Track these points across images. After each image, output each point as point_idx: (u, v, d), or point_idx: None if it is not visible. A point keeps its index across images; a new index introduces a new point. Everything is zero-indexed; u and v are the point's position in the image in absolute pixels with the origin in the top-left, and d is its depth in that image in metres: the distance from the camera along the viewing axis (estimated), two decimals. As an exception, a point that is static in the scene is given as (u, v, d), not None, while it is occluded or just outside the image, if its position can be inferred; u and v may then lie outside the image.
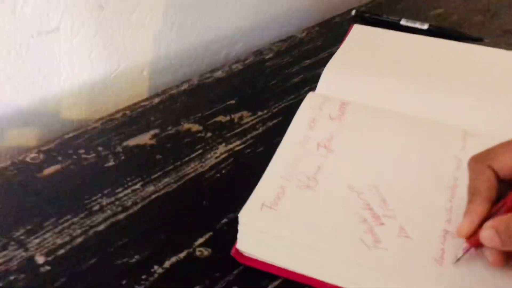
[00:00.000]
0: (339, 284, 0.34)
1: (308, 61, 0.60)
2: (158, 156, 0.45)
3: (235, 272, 0.35)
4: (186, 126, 0.49)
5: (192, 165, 0.44)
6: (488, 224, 0.32)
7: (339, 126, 0.45)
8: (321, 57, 0.60)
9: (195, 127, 0.48)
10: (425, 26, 0.64)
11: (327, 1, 0.77)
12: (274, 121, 0.49)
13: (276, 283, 0.34)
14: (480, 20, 0.68)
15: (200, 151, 0.45)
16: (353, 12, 0.69)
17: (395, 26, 0.65)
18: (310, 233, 0.35)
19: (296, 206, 0.37)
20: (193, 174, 0.43)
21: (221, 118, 0.50)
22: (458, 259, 0.33)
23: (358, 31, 0.62)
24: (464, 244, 0.33)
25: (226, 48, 0.69)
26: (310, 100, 0.48)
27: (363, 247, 0.35)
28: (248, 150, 0.46)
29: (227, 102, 0.52)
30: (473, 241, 0.33)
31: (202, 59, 0.66)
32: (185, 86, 0.55)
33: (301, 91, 0.53)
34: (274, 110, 0.51)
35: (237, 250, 0.36)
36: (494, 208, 0.34)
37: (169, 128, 0.48)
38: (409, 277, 0.33)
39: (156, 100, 0.52)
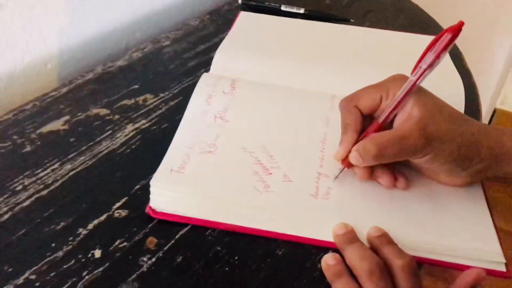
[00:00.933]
0: (238, 224, 0.42)
1: (202, 46, 0.67)
2: (71, 139, 0.50)
3: (150, 225, 0.41)
4: (95, 111, 0.54)
5: (104, 143, 0.49)
6: (353, 148, 0.42)
7: (232, 100, 0.53)
8: (213, 42, 0.67)
9: (103, 111, 0.54)
10: (301, 10, 0.74)
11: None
12: (176, 101, 0.56)
13: (185, 229, 0.41)
14: (347, 3, 0.79)
15: (110, 131, 0.51)
16: (240, 0, 0.77)
17: (277, 12, 0.74)
18: (213, 187, 0.43)
19: (200, 168, 0.45)
20: (105, 152, 0.49)
21: (126, 101, 0.55)
22: (336, 177, 0.45)
23: (244, 17, 0.70)
24: (339, 166, 0.44)
25: (126, 38, 0.74)
26: (205, 80, 0.55)
27: (256, 192, 0.43)
28: (154, 127, 0.52)
29: (131, 87, 0.58)
30: (346, 162, 0.44)
31: (104, 49, 0.70)
32: (90, 75, 0.59)
33: (198, 73, 0.60)
34: (175, 91, 0.58)
35: (150, 208, 0.42)
36: (361, 137, 0.44)
37: (79, 114, 0.53)
38: (293, 210, 0.42)
39: (64, 89, 0.57)
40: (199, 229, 0.41)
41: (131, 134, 0.51)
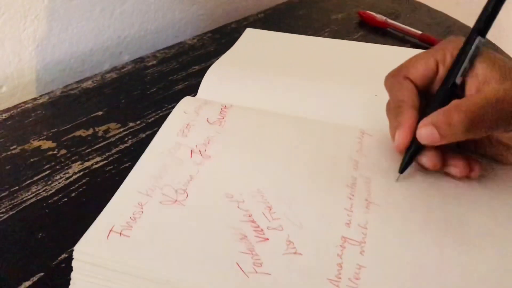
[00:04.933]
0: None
1: (196, 67, 0.53)
2: (-10, 181, 0.35)
3: (64, 325, 0.26)
4: (36, 143, 0.39)
5: (34, 189, 0.35)
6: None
7: (219, 130, 0.38)
8: (211, 62, 0.53)
9: (47, 144, 0.39)
10: (325, 28, 0.60)
11: (224, 9, 0.71)
12: (148, 132, 0.41)
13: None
14: (382, 22, 0.65)
15: (47, 171, 0.36)
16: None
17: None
18: (170, 263, 0.27)
19: (157, 227, 0.29)
20: (33, 200, 0.34)
21: (81, 132, 0.41)
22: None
23: (250, 34, 0.56)
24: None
25: (110, 60, 0.60)
26: (184, 105, 0.40)
27: (239, 275, 0.27)
28: (110, 167, 0.37)
29: (92, 114, 0.43)
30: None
31: (79, 72, 0.57)
32: (44, 98, 0.46)
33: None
34: (149, 120, 0.43)
35: (70, 295, 0.27)
36: None
37: (13, 147, 0.39)
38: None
39: (4, 115, 0.43)
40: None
41: (75, 177, 0.36)
